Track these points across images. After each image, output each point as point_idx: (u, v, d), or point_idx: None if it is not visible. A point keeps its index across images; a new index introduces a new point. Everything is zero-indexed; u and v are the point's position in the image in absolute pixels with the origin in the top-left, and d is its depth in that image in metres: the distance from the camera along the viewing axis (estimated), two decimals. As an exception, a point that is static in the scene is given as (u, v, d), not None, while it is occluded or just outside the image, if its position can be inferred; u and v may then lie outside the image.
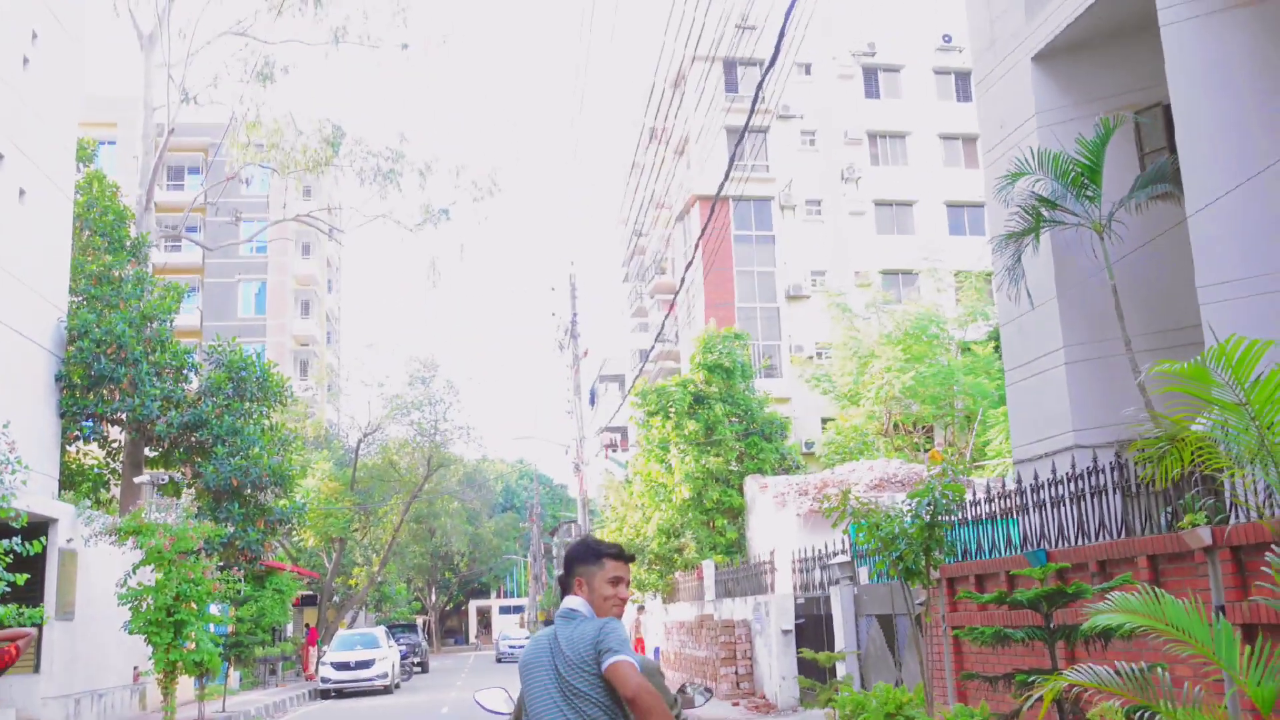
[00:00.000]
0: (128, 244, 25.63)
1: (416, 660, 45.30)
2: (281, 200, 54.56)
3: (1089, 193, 12.24)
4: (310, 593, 42.27)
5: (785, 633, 18.72)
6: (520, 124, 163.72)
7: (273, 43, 31.03)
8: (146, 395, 22.75)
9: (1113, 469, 9.45)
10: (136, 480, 23.41)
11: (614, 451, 54.47)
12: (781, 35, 12.02)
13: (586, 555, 4.03)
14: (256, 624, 30.90)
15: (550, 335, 40.97)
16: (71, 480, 24.78)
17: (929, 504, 10.40)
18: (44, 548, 12.72)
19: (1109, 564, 8.83)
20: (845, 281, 41.64)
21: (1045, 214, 12.57)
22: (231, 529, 23.60)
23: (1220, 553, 7.16)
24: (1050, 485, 10.35)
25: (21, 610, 12.53)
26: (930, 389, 31.78)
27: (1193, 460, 5.67)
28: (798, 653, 17.84)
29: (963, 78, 44.02)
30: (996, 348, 25.78)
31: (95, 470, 26.10)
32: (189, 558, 17.96)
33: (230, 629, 26.08)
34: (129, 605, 17.75)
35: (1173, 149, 11.82)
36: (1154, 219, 12.54)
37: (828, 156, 44.43)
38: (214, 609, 19.87)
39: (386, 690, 31.73)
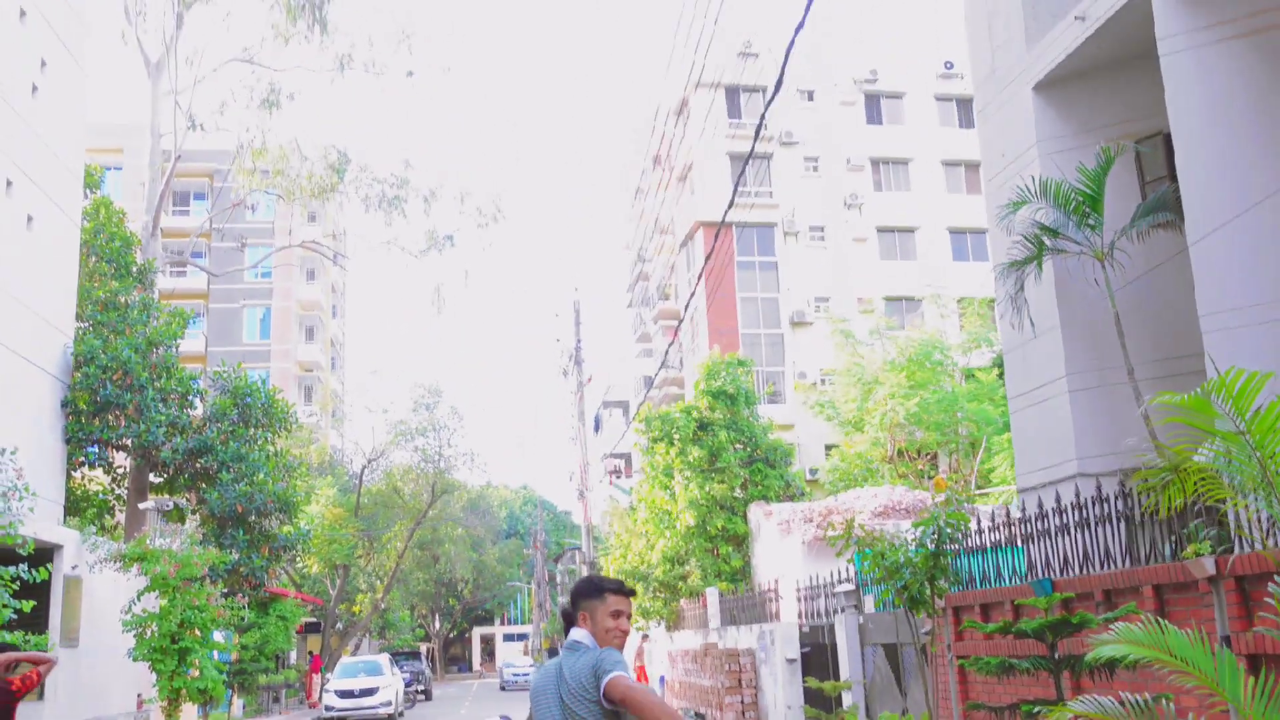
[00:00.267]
0: (134, 270, 25.77)
1: (420, 688, 45.12)
2: (287, 226, 54.81)
3: (1090, 221, 12.29)
4: (314, 620, 42.17)
5: (790, 661, 18.65)
6: (523, 151, 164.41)
7: (279, 70, 31.29)
8: (152, 421, 22.80)
9: (1117, 498, 9.46)
10: (141, 506, 23.42)
11: (618, 478, 54.39)
12: (784, 66, 12.11)
13: (590, 590, 4.32)
14: (260, 651, 30.82)
15: (554, 361, 41.06)
16: (76, 506, 24.81)
17: (934, 532, 10.40)
18: (49, 574, 12.74)
19: (1114, 593, 8.83)
20: (848, 308, 41.71)
21: (1047, 242, 12.62)
22: (236, 555, 23.59)
23: (1225, 583, 7.17)
24: (1055, 514, 10.36)
25: (27, 637, 12.54)
26: (934, 416, 31.77)
27: (1195, 490, 5.69)
28: (803, 682, 17.77)
29: (964, 104, 44.21)
30: (1000, 374, 25.77)
31: (100, 496, 26.13)
32: (193, 584, 17.95)
33: (234, 656, 26.05)
34: (133, 632, 17.73)
35: (1173, 177, 11.88)
36: (1155, 247, 12.59)
37: (830, 183, 44.59)
38: (218, 636, 19.85)
39: (390, 718, 31.62)
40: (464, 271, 68.93)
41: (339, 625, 44.24)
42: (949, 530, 10.44)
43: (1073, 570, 10.00)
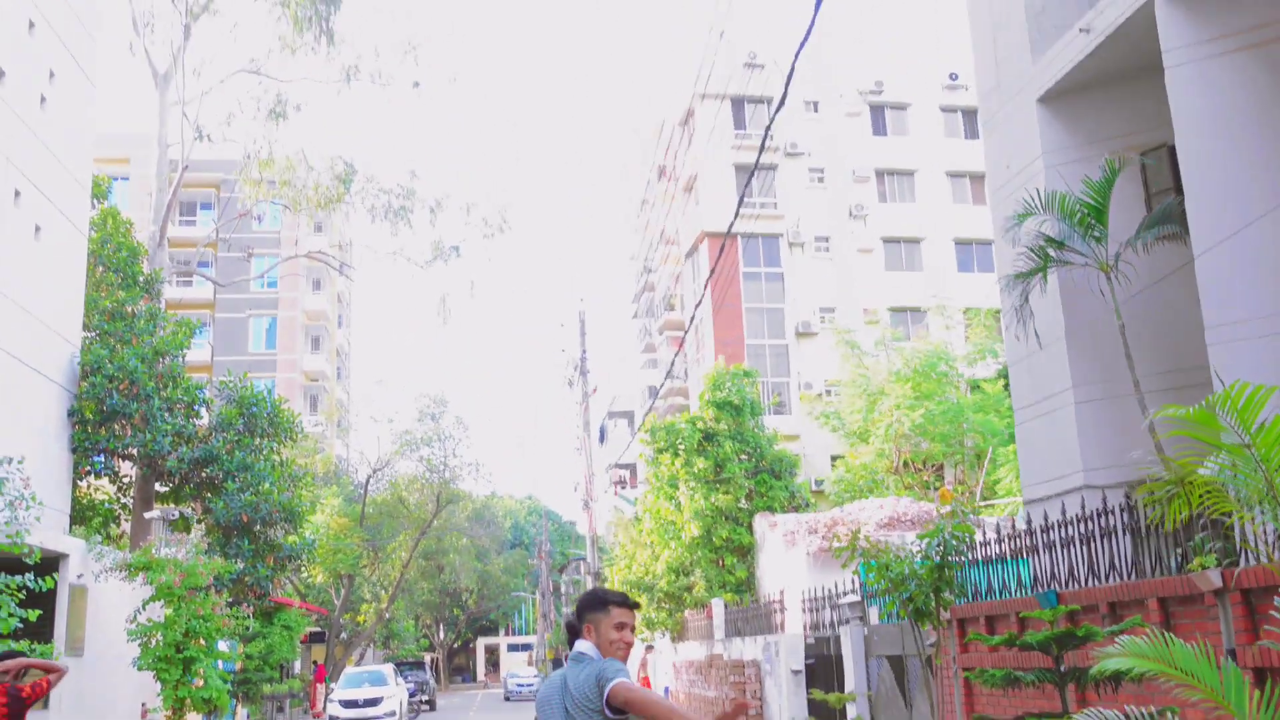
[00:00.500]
0: (141, 280, 25.84)
1: (424, 698, 45.09)
2: (293, 236, 54.97)
3: (1096, 233, 12.30)
4: (318, 629, 42.15)
5: (795, 673, 18.62)
6: (529, 162, 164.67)
7: (286, 81, 31.39)
8: (158, 431, 22.84)
9: (1122, 510, 9.45)
10: (147, 516, 23.46)
11: (623, 488, 54.36)
12: (789, 79, 12.15)
13: (594, 603, 4.44)
14: (265, 661, 30.79)
15: (560, 371, 41.08)
16: (82, 515, 24.84)
17: (939, 545, 10.39)
18: (55, 583, 12.77)
19: (1119, 606, 8.82)
20: (854, 318, 41.71)
21: (1052, 254, 12.63)
22: (241, 565, 23.61)
23: (1231, 595, 7.16)
24: (1060, 526, 10.35)
25: (33, 646, 12.56)
26: (940, 427, 31.75)
27: (1201, 503, 5.70)
28: (808, 693, 17.75)
29: (970, 115, 44.24)
30: (1006, 385, 25.78)
31: (106, 505, 26.16)
32: (198, 594, 17.96)
33: (238, 666, 26.02)
34: (138, 641, 17.74)
35: (1179, 190, 11.89)
36: (1161, 259, 12.60)
37: (836, 193, 44.63)
38: (223, 645, 19.86)
39: (394, 728, 31.60)
40: (470, 282, 68.98)
41: (343, 635, 44.22)
42: (954, 542, 10.43)
43: (1078, 582, 9.99)
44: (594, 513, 40.29)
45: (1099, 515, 9.75)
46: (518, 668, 62.70)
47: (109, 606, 19.85)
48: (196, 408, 24.69)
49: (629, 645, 4.37)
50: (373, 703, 31.29)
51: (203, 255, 53.34)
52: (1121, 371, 12.25)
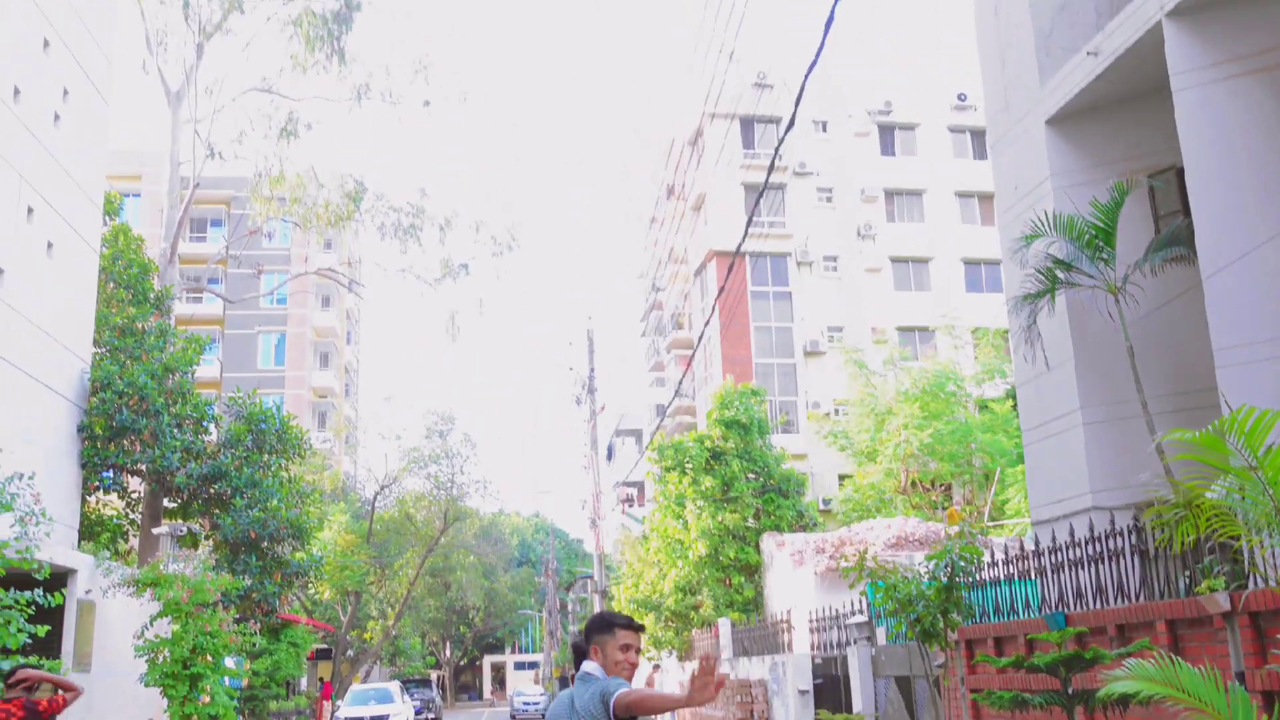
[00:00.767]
0: (151, 296, 25.94)
1: (430, 715, 45.00)
2: (302, 253, 55.14)
3: (1104, 255, 12.32)
4: (325, 646, 42.10)
5: (803, 693, 18.58)
6: (538, 180, 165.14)
7: (297, 99, 31.56)
8: (167, 447, 22.90)
9: (1130, 532, 9.45)
10: (155, 531, 23.49)
11: (630, 506, 54.32)
12: (798, 99, 12.21)
13: (601, 625, 4.65)
14: (271, 678, 30.75)
15: (568, 389, 41.10)
16: (91, 531, 24.88)
17: (946, 565, 10.39)
18: (64, 599, 12.79)
19: (1127, 628, 8.81)
20: (862, 338, 41.73)
21: (1060, 276, 12.64)
22: (248, 581, 23.61)
23: (1239, 619, 7.16)
24: (1068, 548, 10.34)
25: (41, 662, 12.57)
26: (948, 446, 31.70)
27: (1209, 526, 5.70)
28: (815, 714, 17.69)
29: (978, 136, 44.34)
30: (1014, 405, 25.75)
31: (115, 521, 26.21)
32: (206, 610, 17.95)
33: (245, 682, 25.99)
34: (145, 657, 17.74)
35: (1187, 212, 11.91)
36: (1169, 282, 12.60)
37: (844, 213, 44.71)
38: (229, 662, 19.83)
39: (400, 746, 31.52)
40: (479, 299, 69.15)
41: (350, 652, 44.17)
42: (962, 563, 10.43)
43: (1086, 604, 9.97)
44: (601, 531, 40.24)
45: (1107, 537, 9.74)
46: (524, 686, 62.49)
47: (116, 622, 19.87)
48: (205, 424, 24.75)
49: (634, 666, 4.57)
50: (379, 720, 31.24)
51: (213, 272, 53.53)
52: (1129, 393, 12.24)
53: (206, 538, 25.47)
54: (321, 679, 40.77)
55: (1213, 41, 11.05)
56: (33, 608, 12.12)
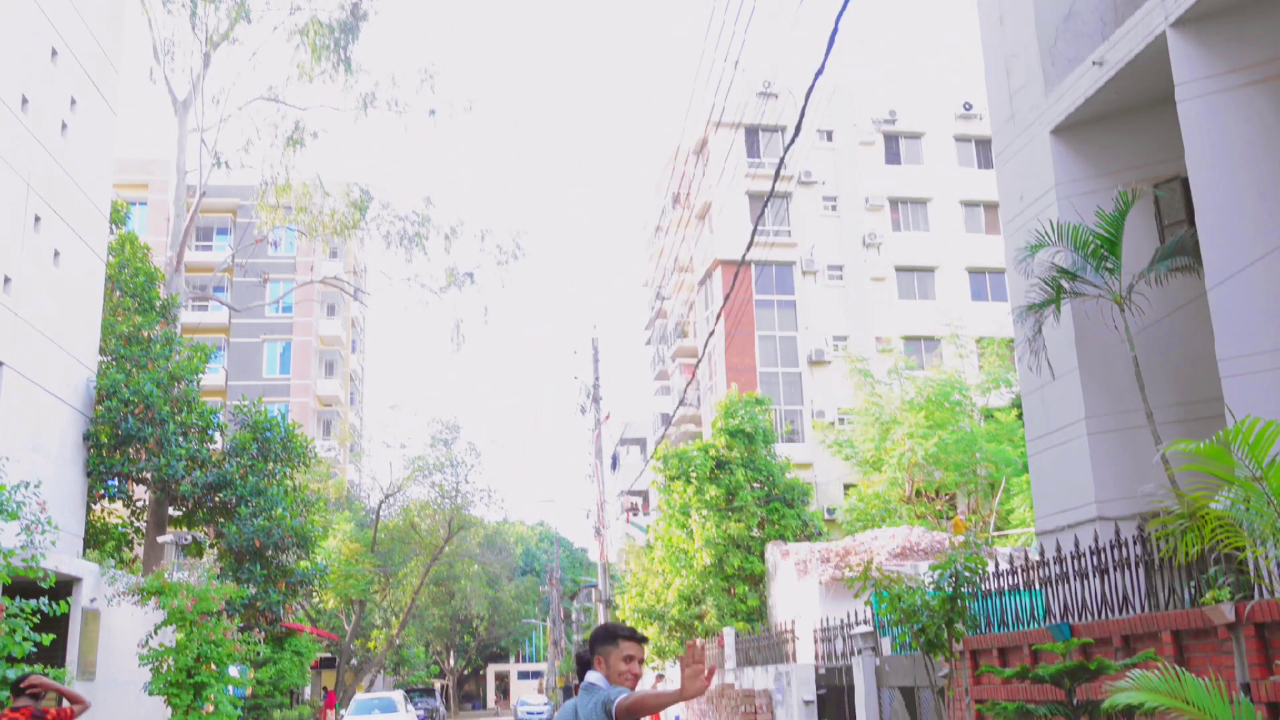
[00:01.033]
0: (157, 305, 26.00)
1: (434, 725, 44.94)
2: (308, 261, 55.31)
3: (1109, 265, 12.31)
4: (329, 655, 42.09)
5: (807, 703, 18.54)
6: (544, 188, 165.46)
7: (303, 108, 31.65)
8: (172, 455, 22.93)
9: (1135, 543, 9.43)
10: (160, 540, 23.49)
11: (635, 515, 54.28)
12: (804, 109, 12.24)
13: (605, 637, 4.81)
14: (275, 686, 30.78)
15: (572, 398, 41.14)
16: (96, 539, 24.90)
17: (951, 576, 10.38)
18: (69, 607, 12.81)
19: (1133, 639, 8.79)
20: (867, 347, 41.72)
21: (1065, 285, 12.64)
22: (253, 590, 23.61)
23: (1244, 629, 7.14)
24: (1073, 558, 10.32)
25: (46, 671, 12.58)
26: (953, 456, 31.67)
27: (1213, 537, 5.70)
28: (819, 723, 17.67)
29: (983, 144, 44.38)
30: (1019, 414, 25.72)
31: (119, 529, 26.23)
32: (210, 619, 17.95)
33: (249, 691, 26.01)
34: (150, 666, 17.74)
35: (1192, 222, 11.91)
36: (1174, 291, 12.60)
37: (849, 222, 44.73)
38: (233, 671, 19.82)
39: (403, 755, 31.49)
40: (483, 307, 69.16)
41: (354, 661, 44.14)
42: (966, 573, 10.42)
43: (1091, 615, 9.95)
44: (605, 540, 40.20)
45: (1112, 547, 9.73)
46: (528, 695, 62.43)
47: (121, 631, 19.87)
48: (210, 432, 24.77)
49: (637, 676, 4.72)
50: (382, 729, 31.20)
51: (219, 280, 53.68)
52: (1135, 403, 12.23)
53: (211, 546, 25.49)
54: (325, 688, 40.78)
55: (1217, 52, 11.05)
56: (38, 616, 12.15)
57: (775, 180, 16.07)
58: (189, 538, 24.82)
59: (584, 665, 4.79)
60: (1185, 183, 12.26)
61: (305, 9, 30.34)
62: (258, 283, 53.16)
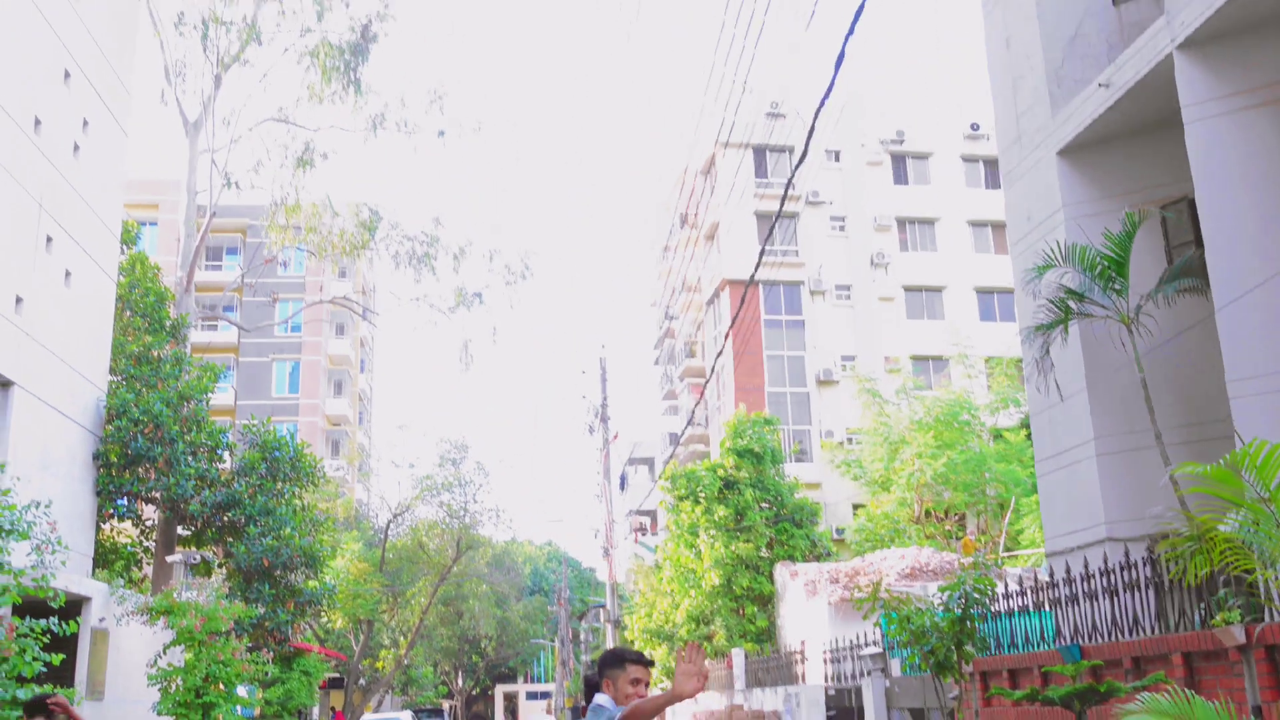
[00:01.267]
0: (167, 325, 26.11)
1: (442, 745, 44.79)
2: (317, 282, 55.46)
3: (1116, 286, 12.32)
4: (337, 675, 42.01)
5: (815, 724, 18.47)
6: (552, 209, 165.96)
7: (313, 129, 31.83)
8: (181, 474, 22.97)
9: (1145, 564, 9.41)
10: (169, 559, 23.51)
11: (643, 535, 54.19)
12: (811, 130, 12.28)
13: (613, 661, 4.99)
14: (283, 706, 30.70)
15: (581, 418, 41.07)
16: (105, 558, 24.94)
17: (960, 597, 10.36)
18: (79, 627, 12.83)
19: (1143, 661, 8.76)
20: (875, 367, 41.69)
21: (1073, 306, 12.64)
22: (261, 610, 23.61)
23: (1255, 652, 7.12)
24: (1083, 580, 10.30)
25: (55, 690, 12.60)
26: (962, 476, 31.59)
27: (1222, 559, 5.69)
28: (828, 745, 17.60)
29: (991, 165, 44.41)
30: (1029, 434, 25.66)
31: (128, 549, 26.27)
32: (219, 638, 17.96)
33: (257, 711, 25.95)
34: (158, 686, 17.73)
35: (1199, 243, 11.92)
36: (1182, 312, 12.59)
37: (857, 242, 44.78)
38: (242, 690, 19.83)
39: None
40: (492, 328, 69.06)
41: (362, 681, 44.05)
42: (975, 595, 10.40)
43: (1101, 636, 9.93)
44: (614, 560, 40.12)
45: (1122, 569, 9.71)
46: (536, 716, 62.27)
47: (130, 650, 19.89)
48: (220, 452, 24.82)
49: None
50: (390, 750, 31.13)
51: (228, 300, 53.91)
52: (1143, 424, 12.21)
53: (220, 566, 25.50)
54: (334, 708, 40.70)
55: (1223, 74, 11.09)
56: (48, 636, 12.17)
57: (783, 200, 16.12)
58: (198, 557, 24.86)
59: (592, 688, 5.03)
60: (1192, 204, 12.27)
61: (316, 31, 30.55)
62: (267, 303, 53.33)
